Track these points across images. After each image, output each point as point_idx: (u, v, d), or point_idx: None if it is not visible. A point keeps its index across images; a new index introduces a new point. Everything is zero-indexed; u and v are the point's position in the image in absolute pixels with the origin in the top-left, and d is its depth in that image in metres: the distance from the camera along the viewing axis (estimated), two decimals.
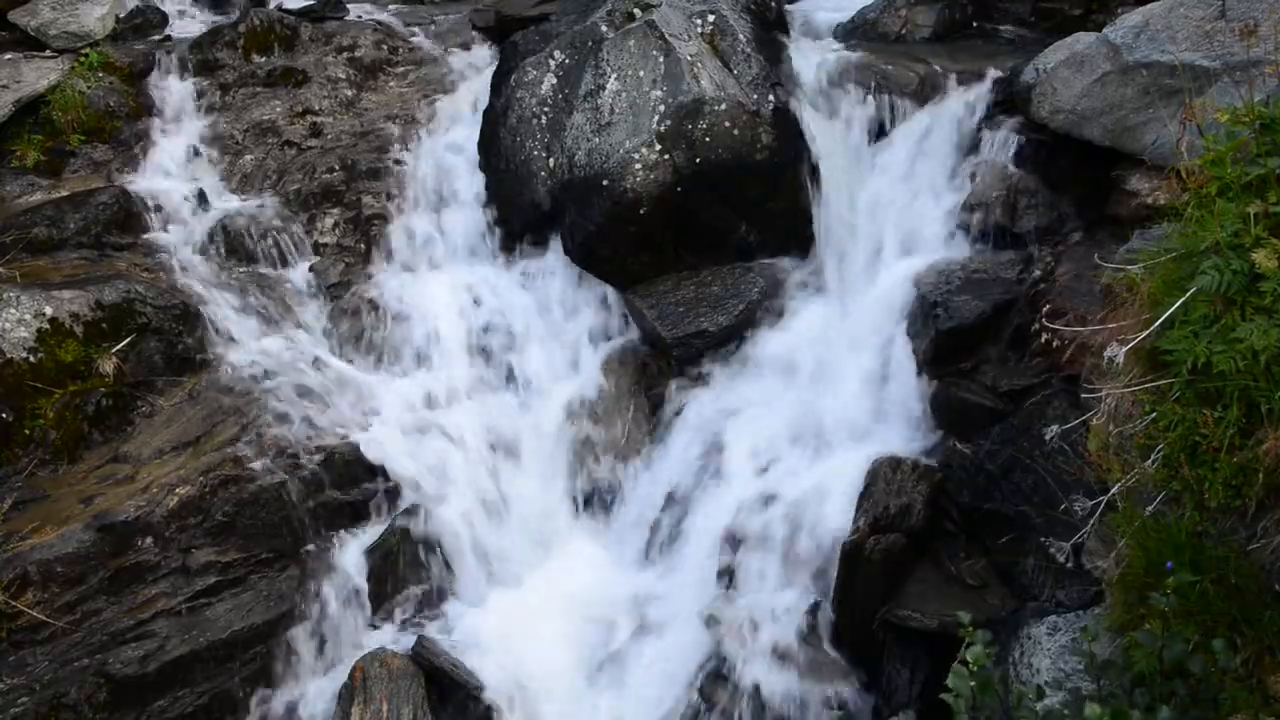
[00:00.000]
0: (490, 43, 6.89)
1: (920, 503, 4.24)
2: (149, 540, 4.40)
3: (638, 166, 5.22)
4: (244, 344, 5.23)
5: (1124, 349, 2.66)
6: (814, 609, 4.35)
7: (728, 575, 4.60)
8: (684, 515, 4.93)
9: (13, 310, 4.71)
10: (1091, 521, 3.07)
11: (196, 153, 6.19)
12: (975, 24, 6.13)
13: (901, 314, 4.75)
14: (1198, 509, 2.54)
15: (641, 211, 5.27)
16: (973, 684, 2.24)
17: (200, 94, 6.50)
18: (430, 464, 5.08)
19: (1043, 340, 3.88)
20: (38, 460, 4.57)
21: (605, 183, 5.28)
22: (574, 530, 5.23)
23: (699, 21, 5.54)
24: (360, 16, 7.28)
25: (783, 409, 4.99)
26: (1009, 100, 5.00)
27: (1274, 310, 2.39)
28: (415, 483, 5.00)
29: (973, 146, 5.04)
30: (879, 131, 5.33)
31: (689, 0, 5.65)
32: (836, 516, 4.41)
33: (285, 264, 5.75)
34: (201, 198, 5.88)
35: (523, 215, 5.78)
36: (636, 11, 5.69)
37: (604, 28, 5.69)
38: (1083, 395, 3.19)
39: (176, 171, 6.08)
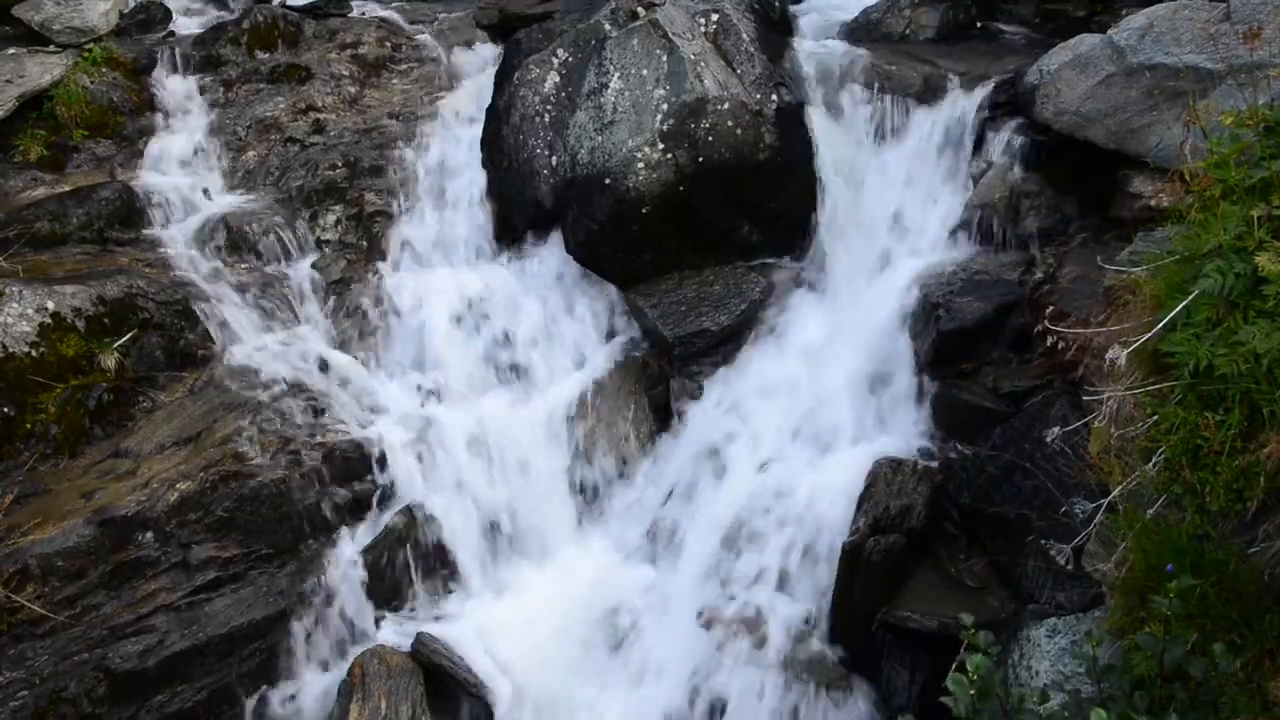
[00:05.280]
0: (494, 40, 6.89)
1: (920, 504, 4.24)
2: (149, 535, 4.41)
3: (640, 165, 5.21)
4: (245, 340, 5.24)
5: (1126, 351, 2.65)
6: (813, 609, 4.35)
7: (727, 575, 4.60)
8: (684, 514, 4.93)
9: (15, 305, 4.71)
10: (1093, 524, 3.06)
11: (199, 149, 6.19)
12: (979, 25, 6.12)
13: (903, 315, 4.75)
14: (1199, 512, 2.53)
15: (644, 210, 5.27)
16: (972, 692, 2.24)
17: (203, 90, 6.51)
18: (431, 461, 5.08)
19: (1045, 342, 3.87)
20: (39, 455, 4.57)
21: (608, 181, 5.28)
22: (574, 528, 5.23)
23: (702, 20, 5.53)
24: (364, 13, 7.28)
25: (783, 408, 4.99)
26: (1012, 102, 4.99)
27: (1277, 314, 2.38)
28: (415, 479, 5.00)
29: (976, 148, 5.03)
30: (882, 132, 5.33)
31: None
32: (836, 517, 4.41)
33: (287, 260, 5.75)
34: (204, 194, 5.88)
35: (525, 213, 5.79)
36: (640, 10, 5.69)
37: (607, 26, 5.69)
38: (1084, 398, 3.18)
39: (179, 167, 6.09)
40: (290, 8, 7.08)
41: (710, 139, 5.21)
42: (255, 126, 6.31)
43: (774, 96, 5.31)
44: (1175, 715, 2.20)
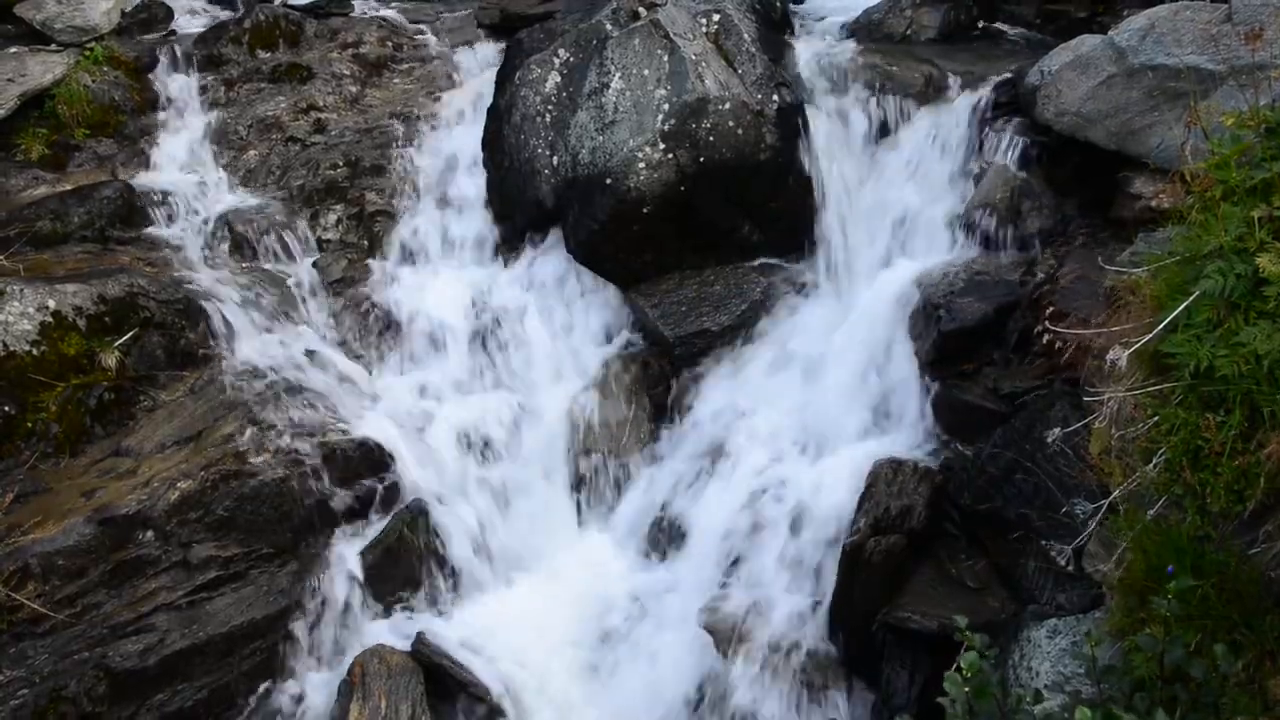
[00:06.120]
0: (495, 40, 6.90)
1: (921, 504, 4.24)
2: (149, 534, 4.41)
3: (641, 165, 5.21)
4: (246, 339, 5.24)
5: (1126, 352, 2.65)
6: (813, 609, 4.35)
7: (727, 575, 4.60)
8: (684, 514, 4.93)
9: (16, 303, 4.71)
10: (1093, 525, 3.06)
11: (201, 148, 6.20)
12: (980, 25, 6.13)
13: (904, 315, 4.74)
14: (1199, 513, 2.53)
15: (645, 210, 5.27)
16: (968, 690, 2.24)
17: (205, 89, 6.51)
18: (431, 461, 5.08)
19: (1045, 343, 3.87)
20: (39, 453, 4.57)
21: (609, 181, 5.28)
22: (574, 528, 5.23)
23: (704, 21, 5.54)
24: (365, 13, 7.29)
25: (784, 409, 4.99)
26: (1014, 102, 4.99)
27: (1277, 315, 2.38)
28: (416, 479, 5.00)
29: (977, 148, 5.03)
30: (883, 132, 5.33)
31: None
32: (837, 517, 4.41)
33: (288, 260, 5.76)
34: (205, 192, 5.89)
35: (526, 213, 5.79)
36: (641, 10, 5.69)
37: (609, 26, 5.69)
38: (1085, 398, 3.18)
39: (181, 166, 6.10)
40: (292, 7, 7.09)
41: (711, 139, 5.21)
42: (256, 126, 6.32)
43: (775, 97, 5.31)
44: (1166, 715, 2.20)
